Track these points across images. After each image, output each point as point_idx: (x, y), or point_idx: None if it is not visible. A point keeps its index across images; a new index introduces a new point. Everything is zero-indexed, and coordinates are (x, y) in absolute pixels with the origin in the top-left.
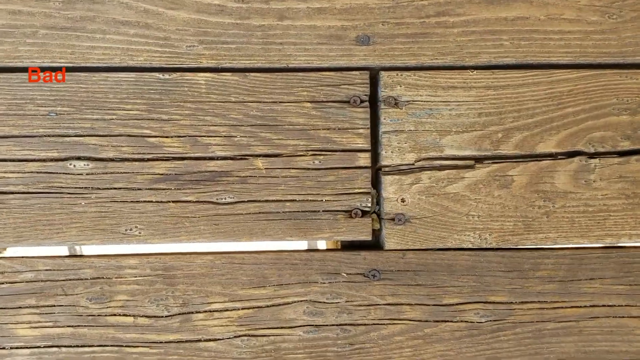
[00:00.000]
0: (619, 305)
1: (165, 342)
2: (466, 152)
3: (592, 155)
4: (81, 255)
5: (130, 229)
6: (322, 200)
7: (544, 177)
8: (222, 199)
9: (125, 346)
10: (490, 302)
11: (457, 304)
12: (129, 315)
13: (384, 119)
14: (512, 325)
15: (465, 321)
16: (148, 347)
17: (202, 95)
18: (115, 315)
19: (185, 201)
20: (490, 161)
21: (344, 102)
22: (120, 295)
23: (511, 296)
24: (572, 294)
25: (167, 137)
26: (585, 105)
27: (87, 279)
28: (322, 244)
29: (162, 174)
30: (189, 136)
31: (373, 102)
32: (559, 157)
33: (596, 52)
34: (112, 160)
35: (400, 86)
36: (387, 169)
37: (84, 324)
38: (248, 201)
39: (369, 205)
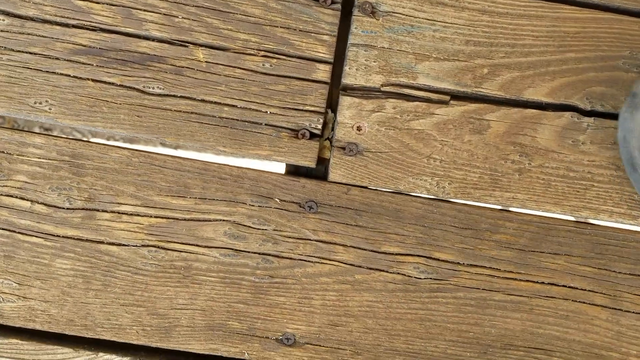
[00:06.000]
0: (581, 289)
1: (63, 237)
2: (443, 84)
3: (586, 113)
4: None
5: (40, 103)
6: (266, 112)
7: (526, 128)
8: (150, 87)
9: (18, 232)
10: (434, 259)
11: (396, 254)
12: (27, 200)
13: (355, 28)
14: (454, 288)
15: (402, 274)
16: (43, 238)
17: None
18: (11, 196)
19: (106, 82)
20: (468, 100)
21: None
22: (19, 175)
23: (459, 256)
24: (531, 266)
25: (97, 2)
26: (590, 53)
27: None
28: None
29: (84, 46)
30: (123, 6)
31: (347, 6)
32: (548, 108)
33: None
34: (31, 19)
35: None
36: (347, 88)
37: None
38: (180, 97)
39: (320, 127)
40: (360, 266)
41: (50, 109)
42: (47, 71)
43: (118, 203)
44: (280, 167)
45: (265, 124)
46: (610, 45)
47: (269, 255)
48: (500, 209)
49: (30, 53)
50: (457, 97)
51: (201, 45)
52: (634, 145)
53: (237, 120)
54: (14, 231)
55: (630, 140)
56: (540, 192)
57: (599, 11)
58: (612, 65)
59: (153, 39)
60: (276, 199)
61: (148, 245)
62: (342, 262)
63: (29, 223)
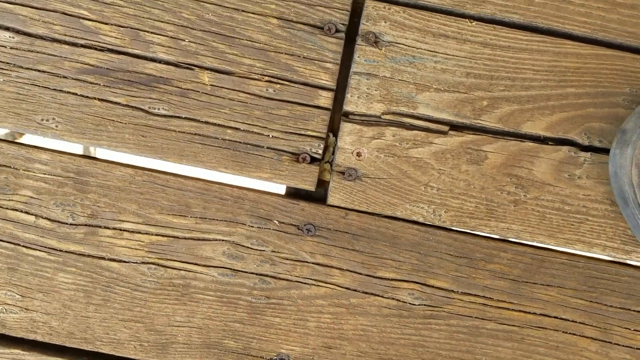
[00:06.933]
0: (572, 321)
1: (65, 252)
2: (442, 115)
3: (584, 148)
4: None
5: (47, 120)
6: (268, 136)
7: (523, 160)
8: (155, 108)
9: (22, 246)
10: (428, 285)
11: (392, 280)
12: (31, 214)
13: (358, 57)
14: (447, 315)
15: (397, 300)
16: (46, 252)
17: None
18: (16, 210)
19: (112, 102)
20: (466, 130)
21: (316, 27)
22: (25, 190)
23: (454, 284)
24: (523, 297)
25: (105, 23)
26: (590, 89)
27: None
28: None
29: (92, 65)
30: (131, 28)
31: (351, 35)
32: (546, 142)
33: (619, 29)
34: (41, 37)
35: (385, 22)
36: (349, 115)
37: None
38: (185, 118)
39: (320, 152)
40: (355, 290)
41: (56, 126)
42: (54, 89)
43: (120, 220)
44: (280, 189)
45: (267, 147)
46: (612, 82)
47: (266, 276)
48: (495, 239)
49: (39, 71)
50: (456, 127)
51: (207, 69)
52: (625, 180)
53: (240, 142)
54: (19, 244)
55: (622, 177)
56: (535, 223)
57: (601, 47)
58: (612, 101)
59: (159, 61)
60: (275, 221)
61: (148, 263)
62: (338, 286)
63: (33, 237)
